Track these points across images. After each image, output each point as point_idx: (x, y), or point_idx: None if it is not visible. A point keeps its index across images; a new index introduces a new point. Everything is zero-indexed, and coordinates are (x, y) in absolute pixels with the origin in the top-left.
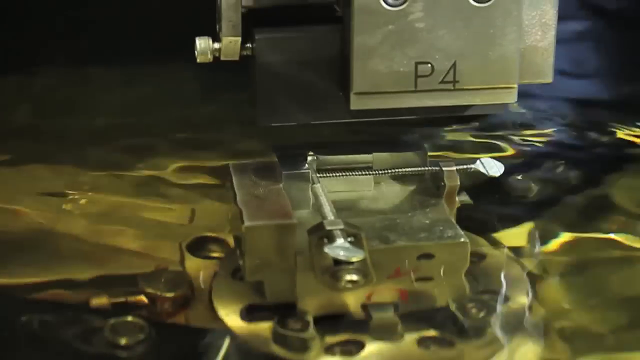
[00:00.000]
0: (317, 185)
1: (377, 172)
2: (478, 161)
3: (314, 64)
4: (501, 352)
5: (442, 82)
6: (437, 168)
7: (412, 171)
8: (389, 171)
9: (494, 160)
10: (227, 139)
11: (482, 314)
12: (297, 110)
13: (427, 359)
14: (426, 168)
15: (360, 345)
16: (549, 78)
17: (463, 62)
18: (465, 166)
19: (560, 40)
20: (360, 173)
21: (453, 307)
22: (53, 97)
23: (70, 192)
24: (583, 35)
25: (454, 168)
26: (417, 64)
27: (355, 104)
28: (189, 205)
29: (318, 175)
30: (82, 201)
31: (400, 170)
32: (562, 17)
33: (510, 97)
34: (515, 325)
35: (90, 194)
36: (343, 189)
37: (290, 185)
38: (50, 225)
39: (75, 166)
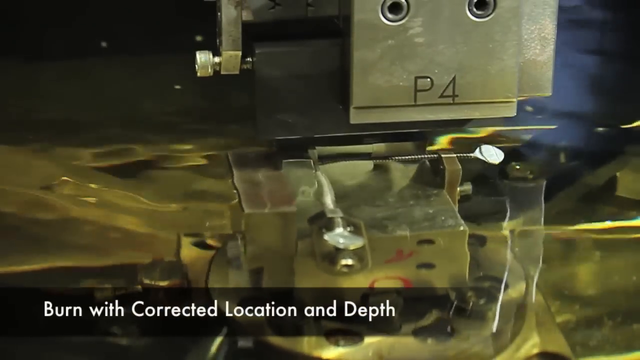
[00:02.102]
0: (318, 173)
1: (376, 158)
2: (478, 149)
3: (314, 78)
4: (500, 341)
5: (442, 96)
6: (435, 156)
7: (411, 158)
8: (389, 158)
9: (494, 148)
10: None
11: (481, 302)
12: (296, 123)
13: (425, 348)
14: (425, 155)
15: (358, 334)
16: (548, 91)
17: (462, 76)
18: (465, 154)
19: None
20: (359, 159)
21: (453, 295)
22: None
23: (68, 180)
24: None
25: (454, 155)
26: (416, 78)
27: (355, 117)
28: (187, 193)
29: (319, 162)
30: (80, 190)
31: (399, 157)
32: None
33: (510, 111)
34: (514, 314)
35: (89, 184)
36: (343, 177)
37: (291, 172)
38: (48, 214)
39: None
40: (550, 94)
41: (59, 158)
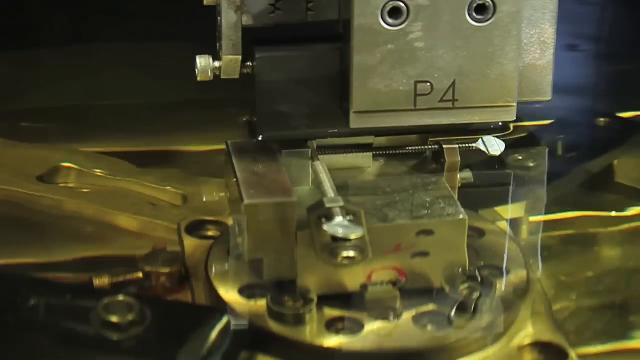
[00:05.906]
0: (317, 163)
1: (377, 150)
2: (480, 139)
3: (314, 82)
4: (494, 331)
5: (442, 100)
6: (437, 146)
7: (412, 149)
8: (390, 150)
9: (496, 139)
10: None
11: (478, 292)
12: (296, 127)
13: (424, 337)
14: (427, 146)
15: (358, 324)
16: (548, 96)
17: (462, 80)
18: (466, 145)
19: None
20: (360, 151)
21: (449, 285)
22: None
23: (68, 171)
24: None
25: (455, 146)
26: (416, 82)
27: (355, 122)
28: (186, 185)
29: (318, 153)
30: (80, 182)
31: (401, 149)
32: None
33: (509, 115)
34: (510, 304)
35: (89, 175)
36: (343, 167)
37: (290, 163)
38: (49, 206)
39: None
40: (550, 98)
41: (59, 146)
